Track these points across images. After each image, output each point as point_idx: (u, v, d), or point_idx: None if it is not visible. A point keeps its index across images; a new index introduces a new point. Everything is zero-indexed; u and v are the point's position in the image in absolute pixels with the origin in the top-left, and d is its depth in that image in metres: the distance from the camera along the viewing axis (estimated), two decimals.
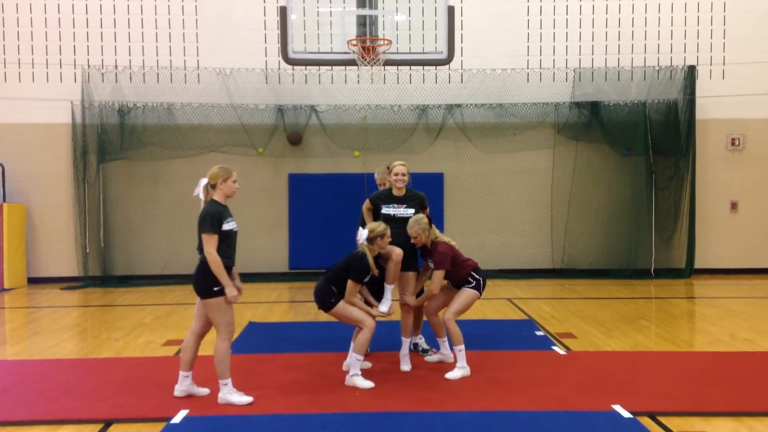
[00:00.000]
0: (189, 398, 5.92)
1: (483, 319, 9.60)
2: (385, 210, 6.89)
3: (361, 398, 5.91)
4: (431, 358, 7.09)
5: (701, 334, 8.82)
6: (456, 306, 6.62)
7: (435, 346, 7.29)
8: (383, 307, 6.53)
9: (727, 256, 14.26)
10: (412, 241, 6.62)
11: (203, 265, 5.70)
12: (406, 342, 6.90)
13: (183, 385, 5.96)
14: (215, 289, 5.67)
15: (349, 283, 6.19)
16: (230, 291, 5.72)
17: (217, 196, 5.89)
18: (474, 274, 6.65)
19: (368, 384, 6.15)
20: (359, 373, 6.24)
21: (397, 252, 6.49)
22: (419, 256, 6.92)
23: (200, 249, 5.76)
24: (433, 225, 6.68)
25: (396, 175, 6.93)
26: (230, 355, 5.81)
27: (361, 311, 6.27)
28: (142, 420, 5.47)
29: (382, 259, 6.48)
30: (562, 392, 5.99)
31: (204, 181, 5.87)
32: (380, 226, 6.36)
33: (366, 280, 6.25)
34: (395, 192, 6.97)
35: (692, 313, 10.60)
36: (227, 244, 5.82)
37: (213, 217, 5.70)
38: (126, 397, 5.97)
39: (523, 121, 14.05)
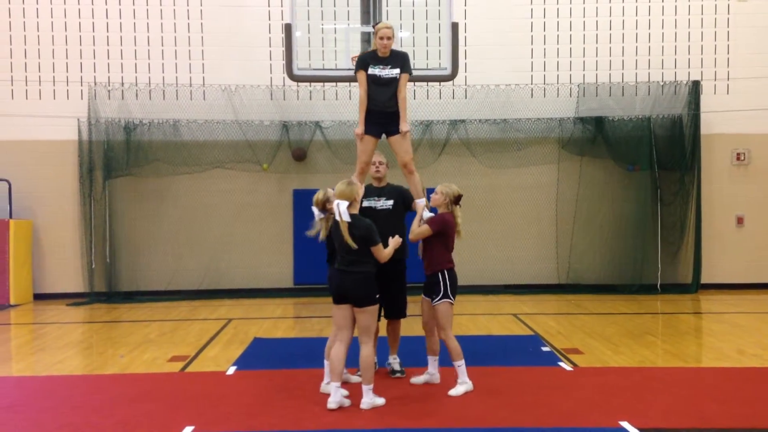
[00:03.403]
0: (194, 415, 5.90)
1: (489, 335, 9.57)
2: (372, 71, 6.97)
3: (367, 415, 5.89)
4: (417, 379, 6.82)
5: (708, 349, 8.78)
6: (442, 324, 6.54)
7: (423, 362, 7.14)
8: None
9: (733, 271, 14.20)
10: (432, 197, 6.68)
11: (368, 276, 6.10)
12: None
13: (336, 396, 6.02)
14: (377, 296, 6.16)
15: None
16: None
17: (355, 210, 6.19)
18: (441, 275, 6.52)
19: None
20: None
21: (409, 167, 6.93)
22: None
23: (360, 262, 6.06)
24: (458, 206, 6.64)
25: (381, 39, 6.97)
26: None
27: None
28: None
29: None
30: (569, 409, 5.96)
31: (345, 203, 6.05)
32: (319, 194, 6.27)
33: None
34: (380, 54, 7.02)
35: (699, 328, 10.55)
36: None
37: (373, 227, 6.16)
38: (131, 414, 5.96)
39: (527, 137, 14.06)
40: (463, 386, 6.47)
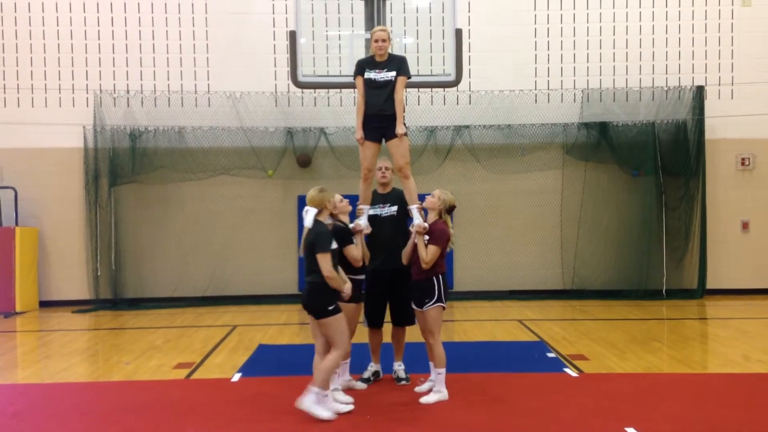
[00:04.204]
0: (199, 422, 5.91)
1: (493, 341, 9.55)
2: (368, 75, 6.93)
3: (372, 421, 5.88)
4: (421, 388, 6.75)
5: (714, 355, 8.75)
6: (431, 328, 6.48)
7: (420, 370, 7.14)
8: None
9: (739, 277, 14.14)
10: (428, 199, 6.62)
11: (317, 287, 5.88)
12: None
13: (325, 403, 5.97)
14: (330, 308, 5.86)
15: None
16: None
17: (323, 217, 6.05)
18: (435, 279, 6.47)
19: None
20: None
21: (408, 181, 6.91)
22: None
23: (311, 271, 5.91)
24: (450, 216, 6.62)
25: (376, 42, 6.95)
26: (336, 370, 6.00)
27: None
28: None
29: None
30: (574, 415, 5.95)
31: (313, 210, 5.95)
32: (318, 195, 6.21)
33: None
34: (377, 58, 6.98)
35: (705, 334, 10.52)
36: (334, 261, 5.94)
37: (325, 235, 5.92)
38: (137, 421, 5.97)
39: (531, 142, 14.05)
40: (437, 395, 6.41)
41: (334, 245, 5.96)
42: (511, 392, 6.67)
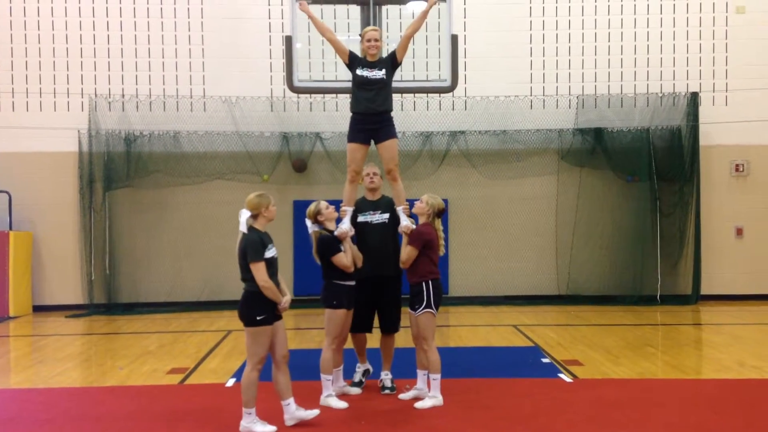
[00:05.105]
0: (193, 427, 5.90)
1: (488, 347, 9.55)
2: (360, 72, 6.92)
3: (367, 426, 5.87)
4: (406, 395, 6.70)
5: (708, 361, 8.76)
6: (424, 335, 6.45)
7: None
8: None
9: (733, 282, 14.19)
10: (416, 204, 6.61)
11: (250, 295, 5.72)
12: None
13: (288, 413, 5.90)
14: (258, 318, 5.69)
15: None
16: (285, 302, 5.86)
17: (259, 224, 5.86)
18: (425, 285, 6.44)
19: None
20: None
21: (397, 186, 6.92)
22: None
23: (244, 279, 5.76)
24: (439, 220, 6.64)
25: (369, 41, 6.99)
26: (257, 384, 5.78)
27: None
28: None
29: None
30: (569, 421, 5.95)
31: (246, 213, 5.80)
32: (311, 206, 6.48)
33: (269, 255, 5.79)
34: (369, 58, 7.01)
35: (699, 339, 10.53)
36: (270, 270, 5.78)
37: (256, 244, 5.71)
38: (130, 426, 5.96)
39: (526, 148, 14.09)
40: (431, 400, 6.38)
41: (269, 254, 5.75)
42: (505, 397, 6.67)
